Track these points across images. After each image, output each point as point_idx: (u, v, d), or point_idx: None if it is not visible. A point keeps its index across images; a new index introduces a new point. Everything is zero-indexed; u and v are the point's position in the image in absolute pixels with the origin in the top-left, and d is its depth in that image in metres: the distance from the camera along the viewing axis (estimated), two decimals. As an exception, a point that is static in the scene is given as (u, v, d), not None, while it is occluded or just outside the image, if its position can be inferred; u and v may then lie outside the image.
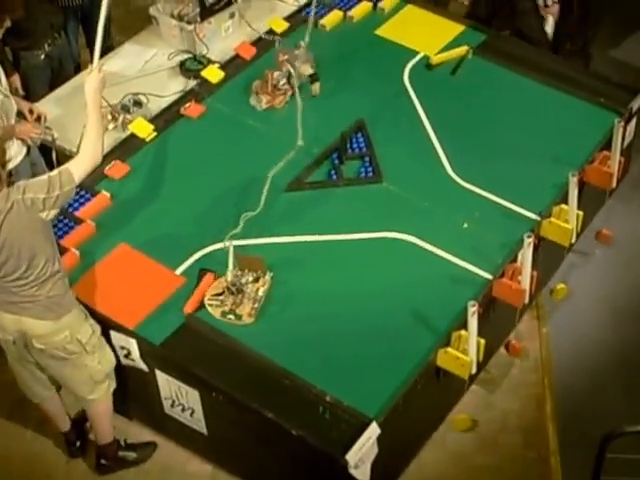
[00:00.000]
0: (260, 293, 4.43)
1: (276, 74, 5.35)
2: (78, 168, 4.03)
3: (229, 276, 4.46)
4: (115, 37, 6.50)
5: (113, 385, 4.48)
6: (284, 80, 5.35)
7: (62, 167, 4.03)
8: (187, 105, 5.44)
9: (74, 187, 4.01)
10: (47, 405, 4.61)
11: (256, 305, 4.40)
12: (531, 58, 5.76)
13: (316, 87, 5.42)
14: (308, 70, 5.37)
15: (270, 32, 5.90)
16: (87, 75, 4.24)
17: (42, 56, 5.73)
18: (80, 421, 4.75)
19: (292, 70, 5.31)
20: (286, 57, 5.35)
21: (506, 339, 5.08)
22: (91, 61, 4.35)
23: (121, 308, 4.43)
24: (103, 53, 5.76)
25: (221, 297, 4.42)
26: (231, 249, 4.48)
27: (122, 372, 4.52)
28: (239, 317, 4.38)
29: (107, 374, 4.40)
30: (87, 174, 4.15)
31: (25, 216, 3.91)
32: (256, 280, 4.47)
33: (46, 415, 4.67)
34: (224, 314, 4.38)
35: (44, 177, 3.98)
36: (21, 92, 5.68)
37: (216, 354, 4.29)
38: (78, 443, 4.76)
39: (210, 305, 4.41)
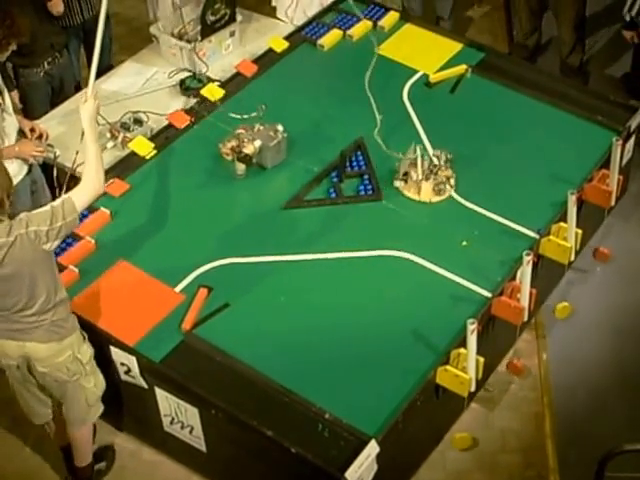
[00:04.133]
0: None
1: (243, 132, 5.18)
2: (80, 197, 3.98)
3: (420, 173, 4.98)
4: (116, 55, 6.54)
5: (101, 409, 4.48)
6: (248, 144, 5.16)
7: (64, 196, 3.99)
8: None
9: (77, 217, 3.96)
10: (47, 424, 4.59)
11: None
12: (530, 76, 5.79)
13: (241, 167, 5.11)
14: (248, 150, 5.08)
15: (271, 51, 5.94)
16: (82, 103, 4.21)
17: (41, 74, 5.77)
18: None
19: (247, 140, 5.12)
20: (260, 128, 5.17)
21: (505, 357, 5.07)
22: (87, 87, 4.34)
23: (121, 325, 4.43)
24: (103, 72, 5.84)
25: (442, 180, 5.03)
26: (418, 150, 4.99)
27: (121, 389, 4.53)
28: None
29: (98, 397, 4.41)
30: (90, 203, 4.15)
31: (29, 249, 3.86)
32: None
33: (48, 433, 4.66)
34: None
35: (47, 208, 3.92)
36: (19, 105, 5.73)
37: (215, 371, 4.29)
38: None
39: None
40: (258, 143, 5.11)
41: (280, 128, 5.18)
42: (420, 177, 5.01)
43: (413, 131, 5.41)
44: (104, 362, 4.44)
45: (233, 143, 5.15)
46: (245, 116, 5.34)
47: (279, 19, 6.37)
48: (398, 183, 5.09)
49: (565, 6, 6.57)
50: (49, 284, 4.00)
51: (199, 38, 5.85)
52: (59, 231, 3.90)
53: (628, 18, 6.12)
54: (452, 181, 5.08)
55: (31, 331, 4.06)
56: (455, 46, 5.98)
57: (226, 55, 6.02)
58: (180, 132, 5.44)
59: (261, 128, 5.19)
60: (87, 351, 4.25)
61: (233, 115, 5.39)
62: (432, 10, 7.18)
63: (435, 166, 5.04)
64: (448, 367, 4.26)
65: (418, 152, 5.01)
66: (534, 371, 5.09)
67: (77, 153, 4.90)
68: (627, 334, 5.22)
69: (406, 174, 5.07)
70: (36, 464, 4.82)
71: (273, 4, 6.43)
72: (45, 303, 4.00)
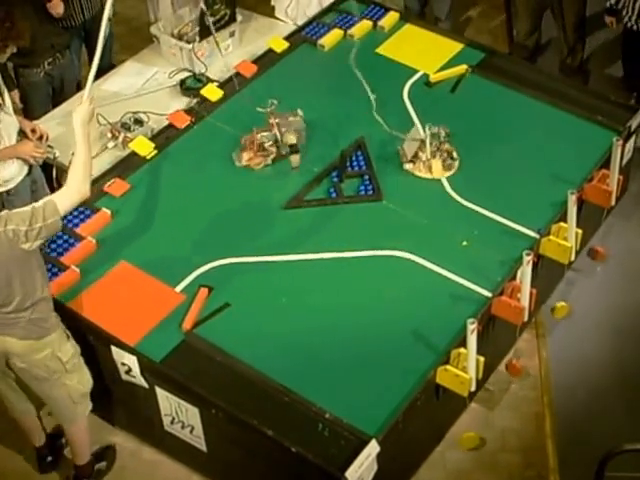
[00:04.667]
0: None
1: (261, 135, 5.18)
2: (64, 201, 3.97)
3: (429, 152, 5.15)
4: (116, 55, 6.55)
5: (90, 406, 4.48)
6: (271, 142, 5.18)
7: (47, 198, 3.98)
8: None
9: (59, 219, 3.96)
10: (24, 419, 4.60)
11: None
12: (530, 76, 5.79)
13: (296, 158, 5.16)
14: (291, 140, 5.15)
15: (271, 51, 5.95)
16: (77, 106, 4.21)
17: (41, 74, 5.78)
18: (55, 436, 4.74)
19: (279, 135, 5.15)
20: (277, 121, 5.17)
21: (505, 356, 5.08)
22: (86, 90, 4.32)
23: (122, 325, 4.43)
24: (105, 71, 5.86)
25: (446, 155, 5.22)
26: (427, 130, 5.17)
27: (122, 388, 4.53)
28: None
29: (84, 394, 4.41)
30: (73, 207, 4.16)
31: (6, 248, 3.87)
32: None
33: (22, 429, 4.66)
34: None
35: (28, 208, 3.92)
36: (19, 105, 5.73)
37: (216, 371, 4.30)
38: (50, 458, 4.75)
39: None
40: (292, 130, 5.15)
41: (296, 111, 5.23)
42: (429, 156, 5.15)
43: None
44: (105, 361, 4.45)
45: (252, 153, 5.15)
46: (268, 109, 5.26)
47: (278, 19, 6.38)
48: (408, 166, 5.20)
49: (565, 6, 6.58)
50: (27, 283, 4.00)
51: (198, 38, 5.85)
52: (39, 232, 3.90)
53: (608, 5, 6.26)
54: (455, 154, 5.22)
55: (9, 327, 4.07)
56: (455, 46, 5.98)
57: (226, 55, 6.02)
58: (180, 132, 5.44)
59: (278, 121, 5.18)
60: (69, 350, 4.24)
61: (260, 110, 5.31)
62: (431, 10, 7.18)
63: (440, 142, 5.20)
64: (448, 367, 4.26)
65: (428, 132, 5.17)
66: (534, 371, 5.09)
67: (72, 154, 4.90)
68: (627, 334, 5.23)
69: (414, 155, 5.19)
70: (37, 463, 4.82)
71: (272, 3, 6.43)
72: (22, 302, 4.01)
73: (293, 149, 5.17)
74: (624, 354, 5.13)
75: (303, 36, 6.08)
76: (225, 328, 4.47)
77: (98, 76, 6.01)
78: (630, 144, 5.37)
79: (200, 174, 5.22)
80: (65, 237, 4.83)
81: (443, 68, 5.81)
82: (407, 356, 4.37)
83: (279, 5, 6.39)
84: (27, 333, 4.09)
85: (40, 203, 3.94)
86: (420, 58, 5.87)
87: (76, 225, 4.90)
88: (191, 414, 4.33)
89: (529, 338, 5.22)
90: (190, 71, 5.84)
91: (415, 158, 5.20)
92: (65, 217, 4.88)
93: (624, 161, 5.29)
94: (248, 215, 5.00)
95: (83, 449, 4.60)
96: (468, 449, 4.75)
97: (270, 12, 6.45)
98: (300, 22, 6.24)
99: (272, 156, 5.21)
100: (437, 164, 5.16)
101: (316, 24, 6.16)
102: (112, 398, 4.74)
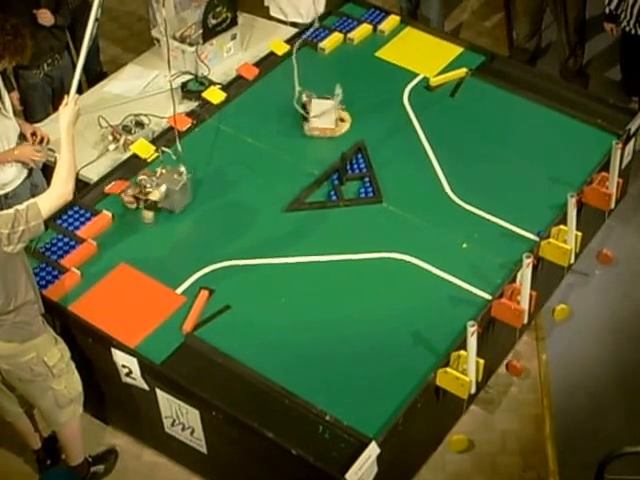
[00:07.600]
0: None
1: (142, 177, 4.95)
2: (47, 204, 3.99)
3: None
4: (118, 59, 6.58)
5: (79, 410, 4.48)
6: (151, 188, 4.91)
7: (30, 201, 4.00)
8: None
9: (41, 222, 3.97)
10: (16, 423, 4.61)
11: None
12: (530, 80, 5.80)
13: (148, 215, 4.92)
14: (154, 195, 4.86)
15: (272, 54, 5.97)
16: (62, 107, 4.22)
17: (40, 75, 5.81)
18: (52, 440, 4.74)
19: (152, 186, 4.90)
20: (163, 172, 4.96)
21: (505, 359, 5.09)
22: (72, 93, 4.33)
23: (122, 327, 4.44)
24: (98, 79, 5.89)
25: None
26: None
27: (123, 391, 4.54)
28: None
29: (72, 399, 4.40)
30: (56, 209, 4.17)
31: None
32: None
33: (17, 432, 4.66)
34: None
35: (11, 211, 3.93)
36: (19, 107, 5.75)
37: (216, 373, 4.31)
38: (49, 462, 4.75)
39: None
40: (163, 188, 4.90)
41: (183, 170, 4.95)
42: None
43: (413, 134, 5.42)
44: (105, 364, 4.46)
45: (135, 191, 4.95)
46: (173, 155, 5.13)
47: (274, 18, 6.40)
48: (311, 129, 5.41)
49: (565, 9, 6.59)
50: (10, 286, 4.01)
51: (201, 41, 5.87)
52: (21, 235, 3.91)
53: (607, 11, 6.25)
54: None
55: None
56: (455, 49, 6.00)
57: (227, 58, 6.04)
58: (181, 135, 5.45)
59: (164, 172, 4.98)
60: (55, 354, 4.25)
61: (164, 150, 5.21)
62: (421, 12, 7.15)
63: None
64: (448, 369, 4.27)
65: (339, 91, 5.38)
66: (534, 373, 5.10)
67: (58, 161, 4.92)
68: (626, 336, 5.23)
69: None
70: (36, 466, 4.83)
71: (266, 4, 6.45)
72: (5, 304, 4.02)
73: (148, 204, 4.90)
74: (623, 356, 5.14)
75: (304, 39, 6.09)
76: (226, 330, 4.48)
77: (96, 81, 6.07)
78: (629, 147, 5.38)
79: (200, 176, 5.22)
80: (66, 239, 4.84)
81: (443, 71, 5.82)
82: (407, 358, 4.37)
83: (273, 4, 6.41)
84: (11, 336, 4.09)
85: (23, 206, 3.96)
86: (420, 62, 5.88)
87: (76, 228, 4.91)
88: (192, 416, 4.33)
89: (529, 340, 5.23)
90: (192, 74, 5.85)
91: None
92: (64, 219, 4.95)
93: (623, 164, 5.30)
94: (249, 217, 5.01)
95: (74, 451, 4.60)
96: (457, 452, 4.75)
97: (268, 14, 6.47)
98: (292, 19, 6.26)
99: (146, 203, 4.97)
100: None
101: (316, 27, 6.17)
102: (113, 400, 4.75)
